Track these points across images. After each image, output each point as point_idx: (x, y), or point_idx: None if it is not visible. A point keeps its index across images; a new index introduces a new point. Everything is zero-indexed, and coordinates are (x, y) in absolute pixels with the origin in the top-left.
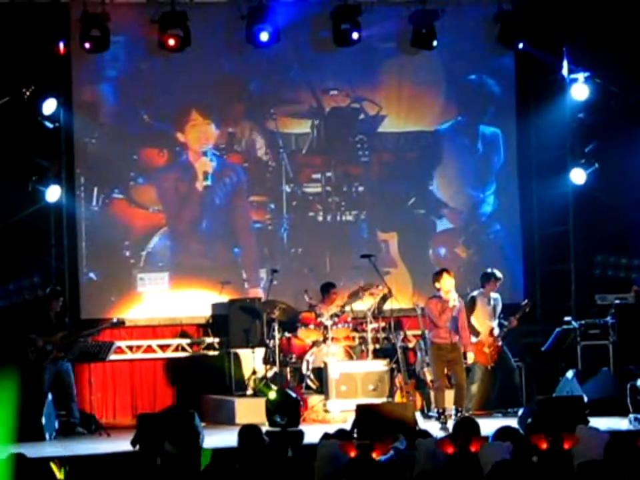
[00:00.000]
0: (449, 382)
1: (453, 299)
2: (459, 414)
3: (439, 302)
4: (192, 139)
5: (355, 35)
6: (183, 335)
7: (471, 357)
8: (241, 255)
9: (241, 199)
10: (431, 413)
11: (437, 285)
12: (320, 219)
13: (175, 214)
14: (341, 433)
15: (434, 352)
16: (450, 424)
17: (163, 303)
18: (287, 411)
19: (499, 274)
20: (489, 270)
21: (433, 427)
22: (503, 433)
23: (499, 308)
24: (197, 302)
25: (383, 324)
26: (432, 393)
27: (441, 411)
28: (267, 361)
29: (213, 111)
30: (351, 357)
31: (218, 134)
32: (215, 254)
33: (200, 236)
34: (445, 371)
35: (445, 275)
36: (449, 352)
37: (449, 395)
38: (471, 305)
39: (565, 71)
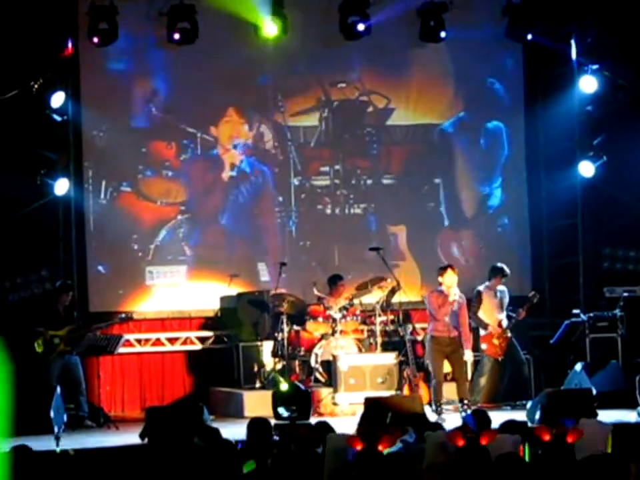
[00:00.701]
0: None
1: (454, 294)
2: (464, 406)
3: (440, 295)
4: (223, 133)
5: (362, 27)
6: (192, 328)
7: (469, 354)
8: (251, 248)
9: (265, 200)
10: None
11: (440, 279)
12: (328, 211)
13: (193, 205)
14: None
15: (432, 345)
16: (450, 416)
17: (172, 296)
18: (297, 403)
19: (507, 270)
20: (499, 265)
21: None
22: (508, 425)
23: (506, 300)
24: (205, 295)
25: (391, 317)
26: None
27: (438, 403)
28: (276, 354)
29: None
30: (359, 350)
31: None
32: (227, 247)
33: (214, 229)
34: (444, 364)
35: (449, 271)
36: (446, 345)
37: (449, 387)
38: (477, 299)
39: (573, 64)
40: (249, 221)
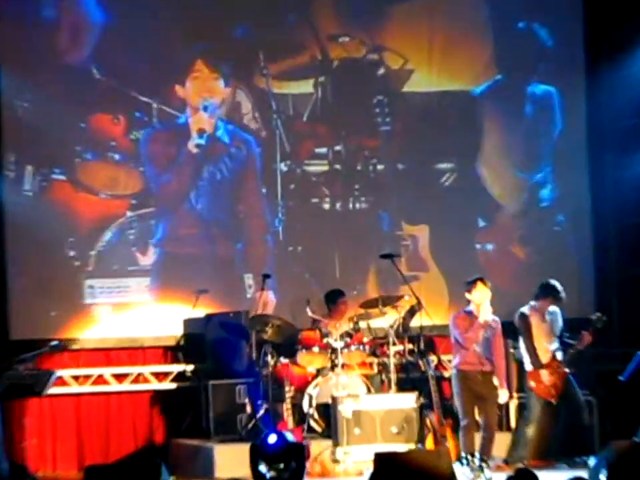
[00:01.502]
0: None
1: (485, 315)
2: (483, 463)
3: (467, 317)
4: (191, 93)
5: None
6: (146, 361)
7: (504, 394)
8: (227, 253)
9: (250, 178)
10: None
11: (468, 295)
12: (326, 206)
13: (161, 187)
14: None
15: (460, 382)
16: (489, 474)
17: (119, 318)
18: (285, 459)
19: (561, 292)
20: (551, 282)
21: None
22: None
23: (559, 324)
24: (164, 317)
25: (409, 346)
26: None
27: (470, 455)
28: None
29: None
30: (367, 390)
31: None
32: (192, 252)
33: (175, 227)
34: (474, 407)
35: (479, 285)
36: (477, 383)
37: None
38: (522, 324)
39: None
40: (227, 211)
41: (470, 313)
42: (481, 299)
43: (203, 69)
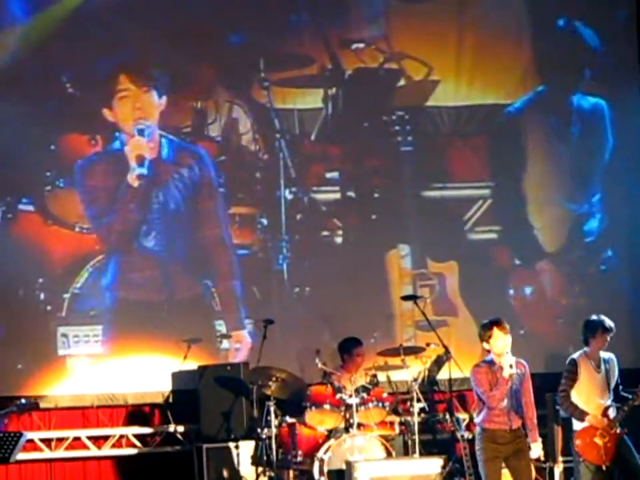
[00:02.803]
0: None
1: (509, 369)
2: None
3: (489, 371)
4: (122, 116)
5: None
6: (129, 421)
7: (536, 448)
8: (215, 297)
9: (207, 199)
10: None
11: (486, 345)
12: (338, 240)
13: (105, 229)
14: None
15: (483, 443)
16: None
17: (98, 372)
18: None
19: (607, 322)
20: (594, 317)
21: None
22: None
23: (615, 375)
24: (150, 371)
25: (436, 402)
26: None
27: None
28: (259, 460)
29: (157, 71)
30: (388, 454)
31: (165, 104)
32: (173, 292)
33: (146, 262)
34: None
35: (495, 331)
36: (506, 443)
37: None
38: (571, 372)
39: None
40: (192, 244)
41: (492, 364)
42: (502, 347)
43: (128, 85)
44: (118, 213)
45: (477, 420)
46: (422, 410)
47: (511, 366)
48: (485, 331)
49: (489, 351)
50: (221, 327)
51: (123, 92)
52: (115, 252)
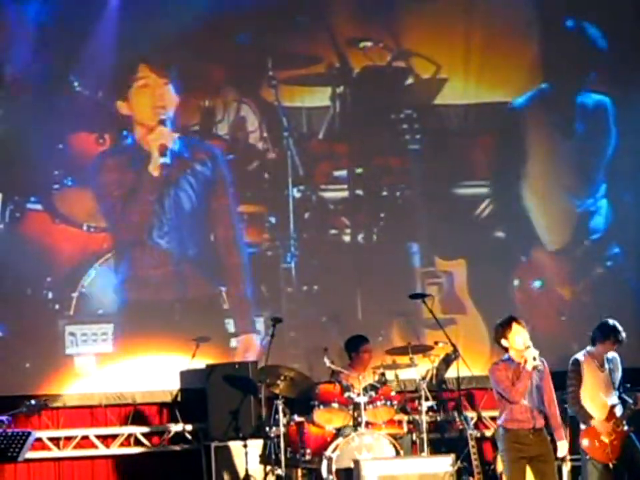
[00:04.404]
0: None
1: (532, 361)
2: None
3: (509, 367)
4: (139, 106)
5: None
6: (138, 420)
7: (563, 447)
8: (225, 296)
9: (220, 199)
10: None
11: (505, 342)
12: (346, 239)
13: (118, 226)
14: None
15: (507, 443)
16: None
17: (106, 371)
18: None
19: (622, 334)
20: (610, 322)
21: None
22: None
23: (619, 375)
24: (158, 370)
25: (444, 400)
26: None
27: None
28: (267, 458)
29: (172, 67)
30: (396, 452)
31: (179, 101)
32: (184, 291)
33: (159, 259)
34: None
35: (514, 327)
36: (530, 443)
37: None
38: (574, 373)
39: None
40: (204, 242)
41: (511, 361)
42: (522, 342)
43: (149, 73)
44: (137, 203)
45: (499, 421)
46: (430, 408)
47: (534, 358)
48: (504, 327)
49: (506, 350)
50: (229, 325)
51: (142, 80)
52: (127, 248)
